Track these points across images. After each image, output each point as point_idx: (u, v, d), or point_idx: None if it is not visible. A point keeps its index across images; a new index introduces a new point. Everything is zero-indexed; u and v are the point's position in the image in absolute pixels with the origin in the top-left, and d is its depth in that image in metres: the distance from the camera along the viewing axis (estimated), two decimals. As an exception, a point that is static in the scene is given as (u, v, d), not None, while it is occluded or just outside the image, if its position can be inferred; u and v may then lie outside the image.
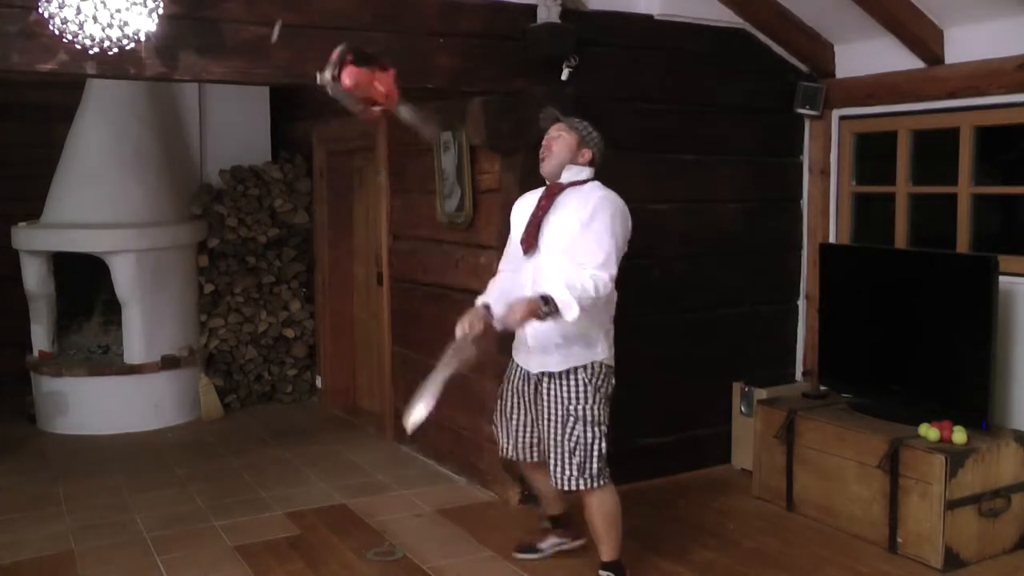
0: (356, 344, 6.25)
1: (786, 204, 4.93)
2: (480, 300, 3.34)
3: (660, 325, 4.57)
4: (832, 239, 4.80)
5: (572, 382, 3.27)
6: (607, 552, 3.38)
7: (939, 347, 3.94)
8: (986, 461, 3.67)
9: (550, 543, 3.74)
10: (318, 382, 6.46)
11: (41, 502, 4.43)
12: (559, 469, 3.27)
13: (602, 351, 3.31)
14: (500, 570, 3.65)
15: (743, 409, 4.71)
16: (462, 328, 3.19)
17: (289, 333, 6.33)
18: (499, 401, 3.54)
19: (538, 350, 3.28)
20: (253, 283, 6.23)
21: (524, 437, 3.45)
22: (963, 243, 4.19)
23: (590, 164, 3.30)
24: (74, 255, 5.66)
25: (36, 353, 5.83)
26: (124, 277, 5.62)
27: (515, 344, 3.42)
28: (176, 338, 5.87)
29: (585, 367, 3.27)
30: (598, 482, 3.27)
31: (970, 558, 3.66)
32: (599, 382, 3.29)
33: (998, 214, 4.43)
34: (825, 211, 4.83)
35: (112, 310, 5.90)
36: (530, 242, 3.25)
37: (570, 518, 3.73)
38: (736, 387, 4.77)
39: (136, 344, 5.73)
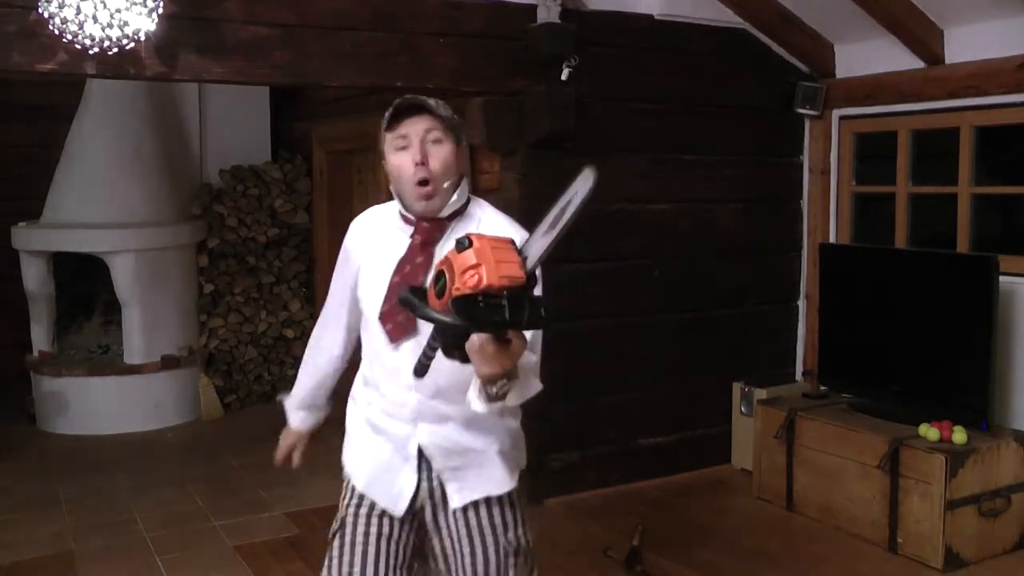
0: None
1: (786, 204, 4.93)
2: (291, 417, 2.49)
3: (660, 325, 4.57)
4: (832, 239, 4.80)
5: (511, 499, 2.13)
6: None
7: (939, 347, 3.94)
8: (986, 461, 3.67)
9: None
10: (318, 382, 6.44)
11: (41, 502, 4.43)
12: None
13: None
14: (500, 570, 3.65)
15: (743, 409, 4.71)
16: (290, 459, 2.52)
17: (289, 333, 6.33)
18: (340, 559, 2.14)
19: (466, 466, 2.05)
20: (253, 283, 6.23)
21: None
22: (963, 243, 4.19)
23: (466, 169, 2.08)
24: (74, 255, 5.66)
25: (36, 353, 5.83)
26: (124, 277, 5.62)
27: (369, 461, 2.16)
28: (176, 338, 5.87)
29: (522, 470, 2.17)
30: None
31: (970, 558, 3.66)
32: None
33: (998, 214, 4.43)
34: (825, 211, 4.83)
35: (112, 310, 5.90)
36: (406, 327, 1.96)
37: None
38: (736, 387, 4.77)
39: (136, 344, 5.72)
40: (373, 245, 2.08)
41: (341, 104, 5.79)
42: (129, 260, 5.61)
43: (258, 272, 6.26)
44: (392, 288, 1.96)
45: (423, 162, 1.92)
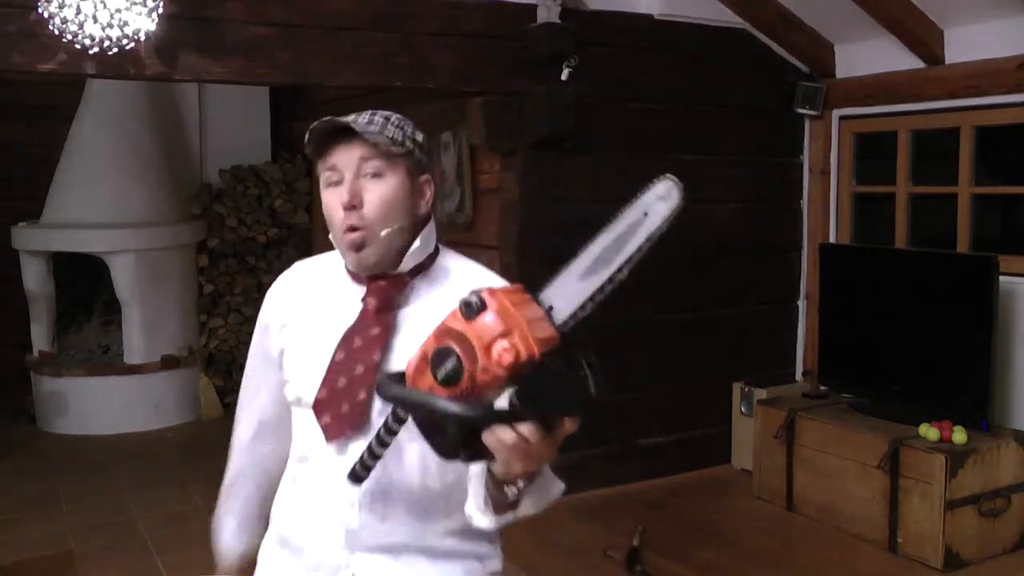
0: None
1: (786, 204, 4.92)
2: (224, 546, 1.67)
3: (660, 325, 4.57)
4: (832, 239, 4.80)
5: None
6: None
7: (939, 347, 3.94)
8: (986, 461, 3.67)
9: None
10: (318, 382, 6.43)
11: (41, 502, 4.43)
12: None
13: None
14: (500, 570, 3.65)
15: (743, 409, 4.71)
16: None
17: (289, 333, 6.33)
18: None
19: None
20: (253, 283, 6.23)
21: None
22: (963, 243, 4.19)
23: (431, 207, 1.55)
24: (74, 255, 5.66)
25: (36, 353, 5.83)
26: (124, 277, 5.62)
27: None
28: (176, 338, 5.87)
29: None
30: None
31: (970, 558, 3.65)
32: None
33: (998, 214, 4.43)
34: (825, 211, 4.83)
35: (112, 310, 5.90)
36: (354, 421, 1.43)
37: None
38: (736, 387, 4.77)
39: (136, 344, 5.73)
40: (306, 310, 1.55)
41: (341, 104, 5.76)
42: (129, 260, 5.61)
43: (258, 272, 6.26)
44: (334, 368, 1.45)
45: (352, 205, 1.43)
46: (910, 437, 3.76)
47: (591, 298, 1.14)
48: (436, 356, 1.09)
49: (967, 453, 3.62)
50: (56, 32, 3.03)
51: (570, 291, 1.14)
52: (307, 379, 1.49)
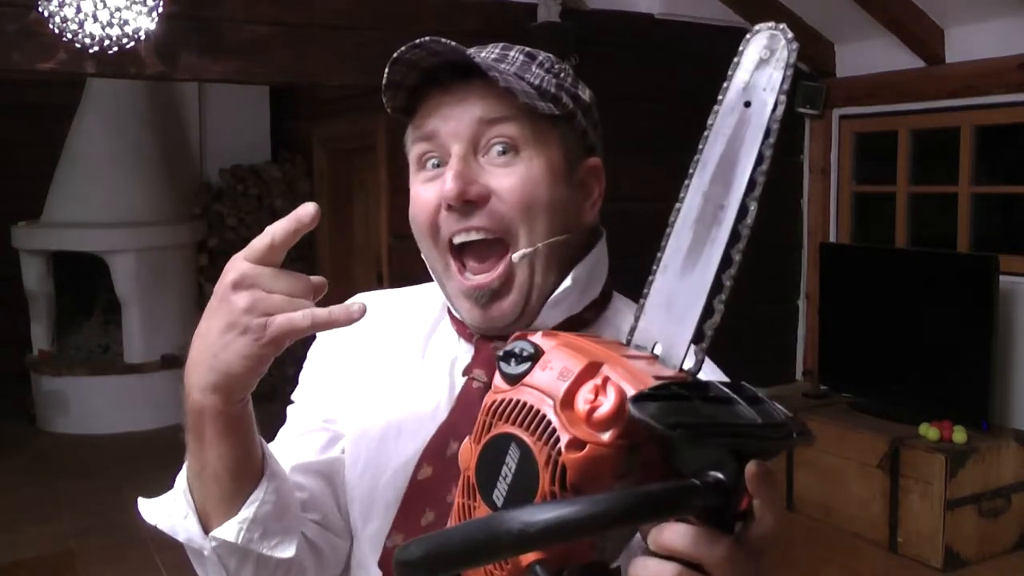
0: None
1: (786, 204, 4.92)
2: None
3: (660, 325, 4.57)
4: (832, 239, 4.80)
5: None
6: None
7: (939, 347, 3.94)
8: (986, 461, 3.67)
9: None
10: (318, 382, 6.43)
11: (41, 502, 4.43)
12: None
13: None
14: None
15: (743, 409, 4.70)
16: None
17: (289, 333, 6.33)
18: None
19: None
20: (253, 283, 6.24)
21: None
22: (963, 243, 4.19)
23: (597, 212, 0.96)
24: (74, 254, 5.66)
25: (36, 353, 5.83)
26: (124, 276, 5.63)
27: None
28: (176, 337, 5.86)
29: None
30: None
31: (970, 558, 3.65)
32: None
33: (998, 214, 4.43)
34: (825, 211, 4.83)
35: (112, 309, 5.90)
36: None
37: None
38: (736, 387, 4.77)
39: (136, 343, 5.72)
40: (361, 377, 1.01)
41: (341, 104, 5.78)
42: (129, 259, 5.61)
43: (258, 272, 6.26)
44: (416, 492, 0.91)
45: (465, 197, 0.84)
46: (910, 437, 3.76)
47: (715, 284, 0.71)
48: (484, 464, 0.63)
49: (967, 453, 3.62)
50: (56, 31, 3.03)
51: (676, 303, 0.70)
52: (360, 505, 0.94)
